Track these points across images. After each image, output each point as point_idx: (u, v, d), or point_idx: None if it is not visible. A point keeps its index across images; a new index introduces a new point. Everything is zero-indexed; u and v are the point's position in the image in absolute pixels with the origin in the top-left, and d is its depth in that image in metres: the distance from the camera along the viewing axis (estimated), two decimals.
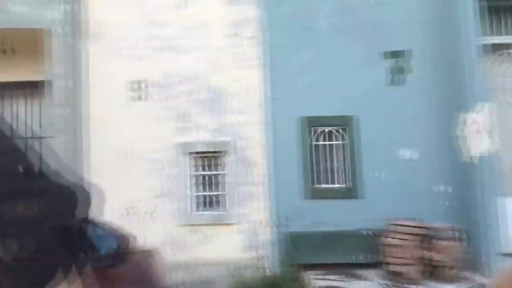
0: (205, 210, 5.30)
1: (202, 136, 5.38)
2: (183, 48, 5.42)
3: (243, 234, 5.17)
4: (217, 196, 5.33)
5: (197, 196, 5.33)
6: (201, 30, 5.45)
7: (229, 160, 5.32)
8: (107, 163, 5.09)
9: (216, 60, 5.48)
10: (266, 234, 5.17)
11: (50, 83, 4.85)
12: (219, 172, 5.37)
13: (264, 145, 5.33)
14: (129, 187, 5.08)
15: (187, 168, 5.30)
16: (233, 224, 5.19)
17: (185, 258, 4.99)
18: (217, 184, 5.36)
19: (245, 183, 5.25)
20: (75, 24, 5.09)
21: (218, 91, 5.46)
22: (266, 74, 5.48)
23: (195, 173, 5.36)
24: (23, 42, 5.16)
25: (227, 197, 5.26)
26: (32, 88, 5.16)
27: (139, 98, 5.38)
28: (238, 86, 5.48)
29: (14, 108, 5.30)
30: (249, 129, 5.38)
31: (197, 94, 5.45)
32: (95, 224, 0.74)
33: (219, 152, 5.35)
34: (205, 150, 5.35)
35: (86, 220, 0.73)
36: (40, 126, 5.27)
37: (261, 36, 5.52)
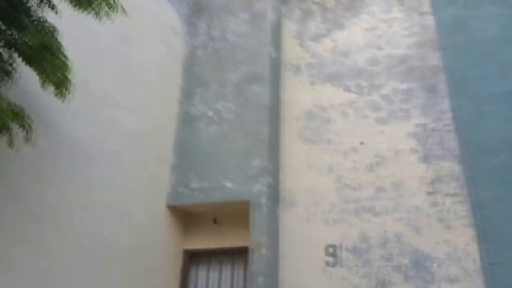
0: None
1: None
2: (379, 210, 5.26)
3: None
4: None
5: None
6: (397, 189, 5.29)
7: None
8: None
9: (416, 220, 5.11)
10: None
11: (253, 251, 5.08)
12: None
13: None
14: None
15: None
16: None
17: None
18: None
19: None
20: (275, 194, 5.50)
21: (421, 256, 4.95)
22: (480, 235, 4.82)
23: None
24: (231, 213, 5.72)
25: None
26: (238, 255, 5.48)
27: (335, 264, 5.20)
28: (445, 250, 4.90)
29: (221, 274, 5.65)
30: None
31: (397, 260, 5.02)
32: None
33: None
34: None
35: None
36: None
37: (465, 193, 5.05)
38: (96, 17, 3.59)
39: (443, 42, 6.00)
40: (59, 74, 3.51)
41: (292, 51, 6.83)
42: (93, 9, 3.57)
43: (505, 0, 5.86)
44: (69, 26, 3.84)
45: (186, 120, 6.09)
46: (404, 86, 5.87)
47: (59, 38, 3.42)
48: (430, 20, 6.24)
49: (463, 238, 4.89)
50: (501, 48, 5.59)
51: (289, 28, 7.06)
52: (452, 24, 6.04)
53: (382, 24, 6.48)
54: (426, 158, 5.35)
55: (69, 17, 3.69)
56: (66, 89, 3.54)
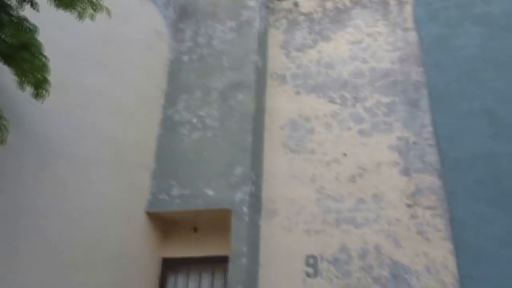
0: None
1: None
2: (360, 221, 5.28)
3: None
4: None
5: None
6: (378, 201, 5.32)
7: None
8: None
9: (396, 232, 5.15)
10: None
11: (233, 260, 5.01)
12: None
13: None
14: None
15: None
16: None
17: None
18: None
19: None
20: (257, 204, 5.46)
21: (401, 268, 4.97)
22: (456, 248, 4.89)
23: None
24: (212, 221, 5.64)
25: None
26: (217, 264, 5.41)
27: (315, 275, 5.18)
28: (424, 263, 4.94)
29: (201, 283, 5.55)
30: None
31: (377, 272, 5.03)
32: None
33: None
34: None
35: None
36: None
37: (444, 206, 5.12)
38: (79, 19, 3.51)
39: (425, 58, 6.13)
40: (38, 75, 3.42)
41: (278, 60, 6.86)
42: (76, 10, 3.50)
43: (485, 20, 6.03)
44: (49, 24, 3.75)
45: (169, 126, 6.01)
46: (387, 99, 5.96)
47: (39, 37, 3.33)
48: (413, 36, 6.37)
49: (441, 251, 4.93)
50: (480, 67, 5.75)
51: (276, 38, 7.09)
52: (434, 41, 6.19)
53: (367, 37, 6.58)
54: (407, 171, 5.42)
55: (50, 15, 3.61)
56: (46, 90, 3.46)
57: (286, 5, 7.32)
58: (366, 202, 5.36)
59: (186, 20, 7.10)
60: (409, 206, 5.24)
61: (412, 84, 6.02)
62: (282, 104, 6.38)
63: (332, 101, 6.18)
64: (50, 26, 3.91)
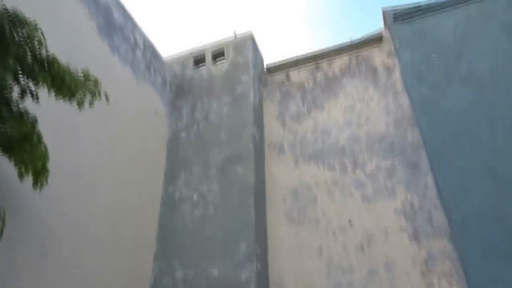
0: None
1: None
2: None
3: None
4: None
5: None
6: (390, 271, 5.07)
7: None
8: None
9: None
10: None
11: None
12: None
13: None
14: None
15: None
16: None
17: None
18: None
19: None
20: (264, 281, 5.20)
21: None
22: None
23: None
24: None
25: None
26: None
27: None
28: None
29: None
30: None
31: None
32: None
33: None
34: None
35: None
36: None
37: (460, 272, 4.88)
38: (79, 109, 3.57)
39: (419, 119, 6.22)
40: (38, 163, 3.41)
41: (274, 131, 6.96)
42: (75, 100, 3.56)
43: (473, 78, 6.20)
44: (49, 108, 3.77)
45: (170, 204, 5.91)
46: (387, 163, 5.95)
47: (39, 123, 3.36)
48: (404, 99, 6.53)
49: None
50: (474, 124, 5.81)
51: (271, 109, 7.27)
52: (425, 102, 6.32)
53: (360, 103, 6.75)
54: (416, 236, 5.24)
55: (51, 99, 3.64)
56: (45, 179, 3.42)
57: (278, 77, 7.61)
58: (377, 272, 5.11)
59: (182, 97, 7.32)
60: (423, 274, 4.99)
61: (410, 146, 6.05)
62: (282, 174, 6.35)
63: (331, 168, 6.17)
64: (50, 109, 3.91)
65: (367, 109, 6.67)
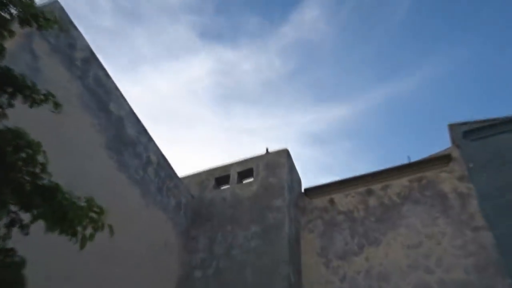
0: None
1: None
2: None
3: None
4: None
5: None
6: None
7: None
8: None
9: None
10: None
11: None
12: None
13: None
14: None
15: None
16: None
17: None
18: None
19: None
20: None
21: None
22: None
23: None
24: None
25: None
26: None
27: None
28: None
29: None
30: None
31: None
32: None
33: None
34: None
35: None
36: None
37: None
38: (79, 247, 3.21)
39: (509, 265, 5.51)
40: None
41: (315, 272, 6.39)
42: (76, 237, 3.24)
43: None
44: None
45: None
46: None
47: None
48: (487, 237, 5.90)
49: None
50: None
51: (311, 243, 6.75)
52: None
53: (427, 240, 6.16)
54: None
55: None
56: None
57: (320, 203, 7.21)
58: None
59: (199, 226, 6.95)
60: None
61: None
62: None
63: None
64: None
65: (437, 248, 6.05)
